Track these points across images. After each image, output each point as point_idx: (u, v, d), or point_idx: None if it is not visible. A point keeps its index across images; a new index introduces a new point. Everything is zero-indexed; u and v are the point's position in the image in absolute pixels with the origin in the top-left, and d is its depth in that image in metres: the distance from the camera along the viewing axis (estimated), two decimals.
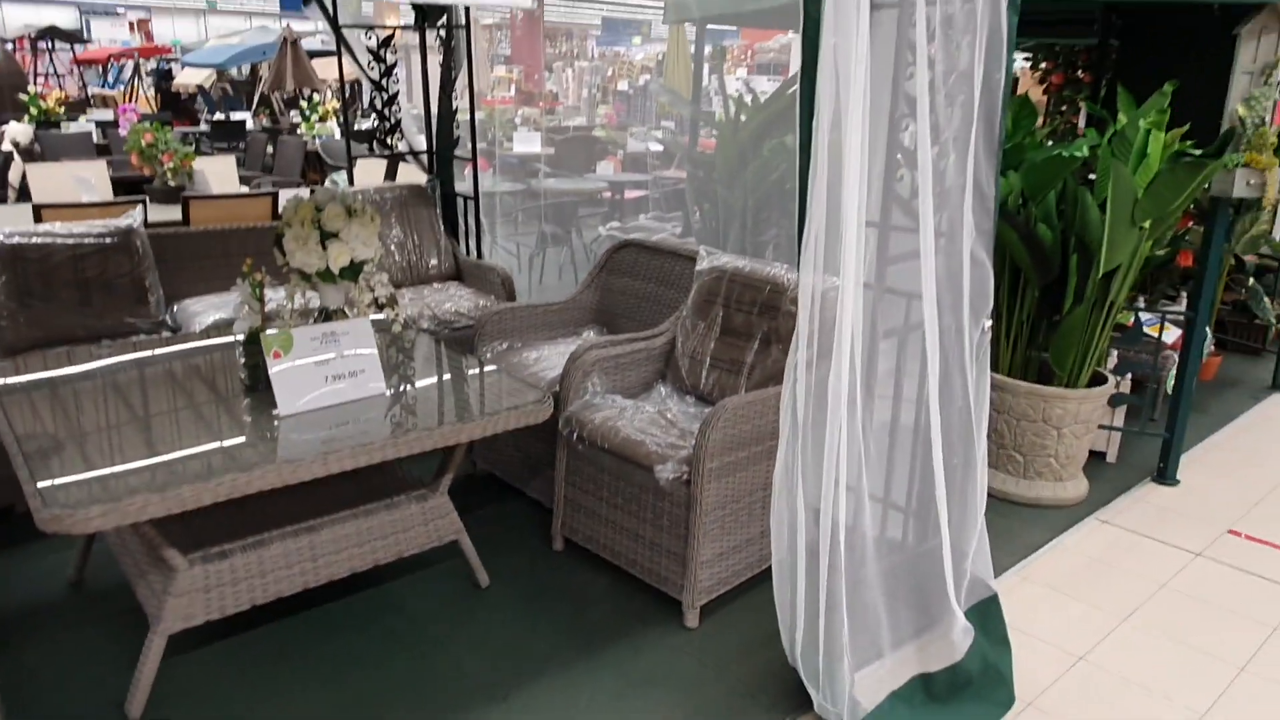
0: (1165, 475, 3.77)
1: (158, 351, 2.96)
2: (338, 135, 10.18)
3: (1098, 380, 3.53)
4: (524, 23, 21.83)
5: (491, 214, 7.09)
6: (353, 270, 2.58)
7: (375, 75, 4.42)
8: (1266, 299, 4.95)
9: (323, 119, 10.95)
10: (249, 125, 12.58)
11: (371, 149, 4.87)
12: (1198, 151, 3.12)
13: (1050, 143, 5.69)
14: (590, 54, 27.32)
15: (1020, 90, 9.50)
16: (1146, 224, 3.16)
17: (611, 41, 26.96)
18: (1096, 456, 3.95)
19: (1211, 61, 3.64)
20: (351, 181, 4.82)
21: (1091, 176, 3.48)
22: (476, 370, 2.94)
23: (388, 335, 3.12)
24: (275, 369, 2.43)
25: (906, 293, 2.32)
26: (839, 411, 2.07)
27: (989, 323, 2.44)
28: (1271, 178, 3.28)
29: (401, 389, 2.71)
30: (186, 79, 15.67)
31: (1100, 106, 4.70)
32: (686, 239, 5.18)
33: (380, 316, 2.97)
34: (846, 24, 1.88)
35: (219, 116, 13.41)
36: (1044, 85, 6.88)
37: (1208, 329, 4.83)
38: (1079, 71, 6.35)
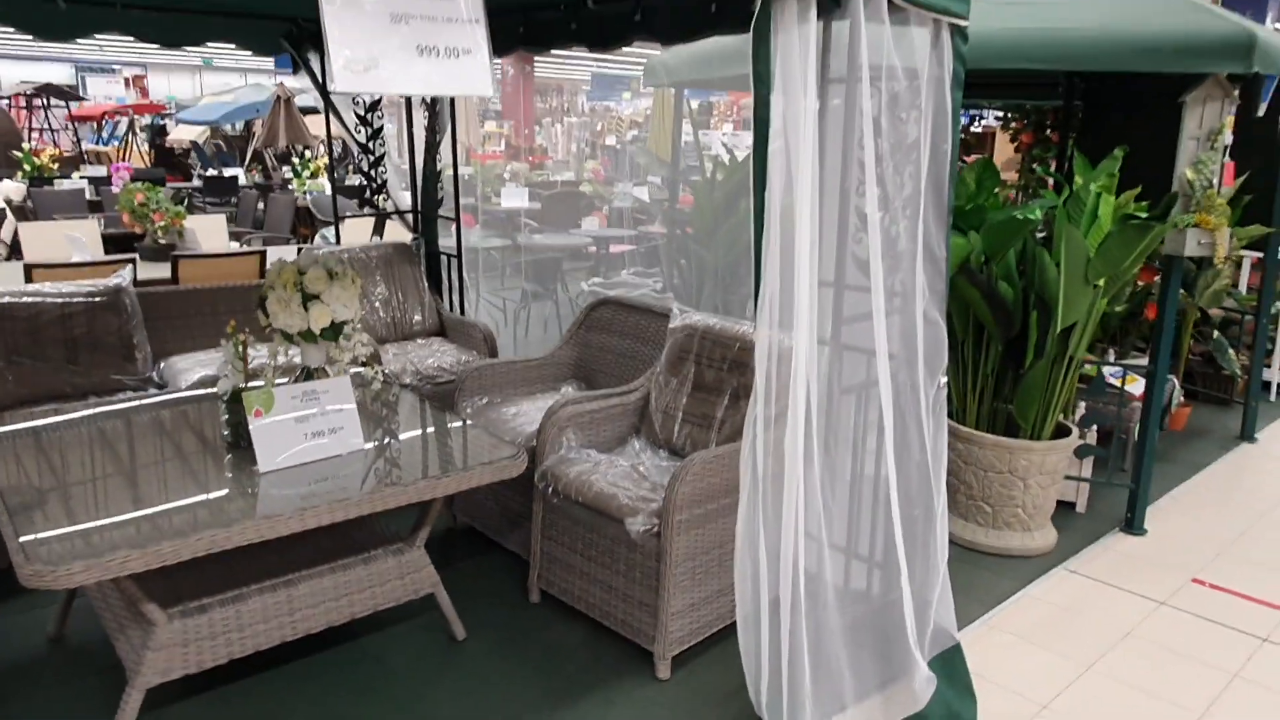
0: (1132, 525, 3.85)
1: (142, 407, 3.04)
2: (329, 191, 10.37)
3: (1063, 432, 3.63)
4: (514, 78, 22.31)
5: (477, 269, 7.23)
6: (333, 330, 2.67)
7: (361, 138, 4.57)
8: (1231, 351, 5.08)
9: (314, 175, 11.16)
10: (241, 180, 12.77)
11: (362, 205, 5.01)
12: (1144, 215, 3.27)
13: (1022, 198, 5.87)
14: (581, 109, 27.86)
15: (995, 147, 9.78)
16: (1101, 282, 3.29)
17: (602, 96, 27.49)
18: (1066, 507, 4.03)
19: (1168, 123, 3.81)
20: (339, 239, 4.94)
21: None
22: (453, 426, 3.02)
23: (368, 392, 3.20)
24: (256, 426, 2.50)
25: (863, 350, 2.42)
26: (796, 465, 2.16)
27: (945, 379, 2.55)
28: (1220, 237, 3.43)
29: (380, 445, 2.78)
30: (180, 135, 15.94)
31: (1067, 165, 4.88)
32: (666, 295, 5.31)
33: (362, 370, 3.06)
34: (794, 99, 2.01)
35: (212, 172, 13.62)
36: (1015, 144, 7.12)
37: (1175, 380, 4.95)
38: (1048, 131, 6.58)
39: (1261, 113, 4.07)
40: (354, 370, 2.88)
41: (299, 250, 5.08)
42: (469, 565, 3.43)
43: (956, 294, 3.54)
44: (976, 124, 7.23)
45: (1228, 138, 3.53)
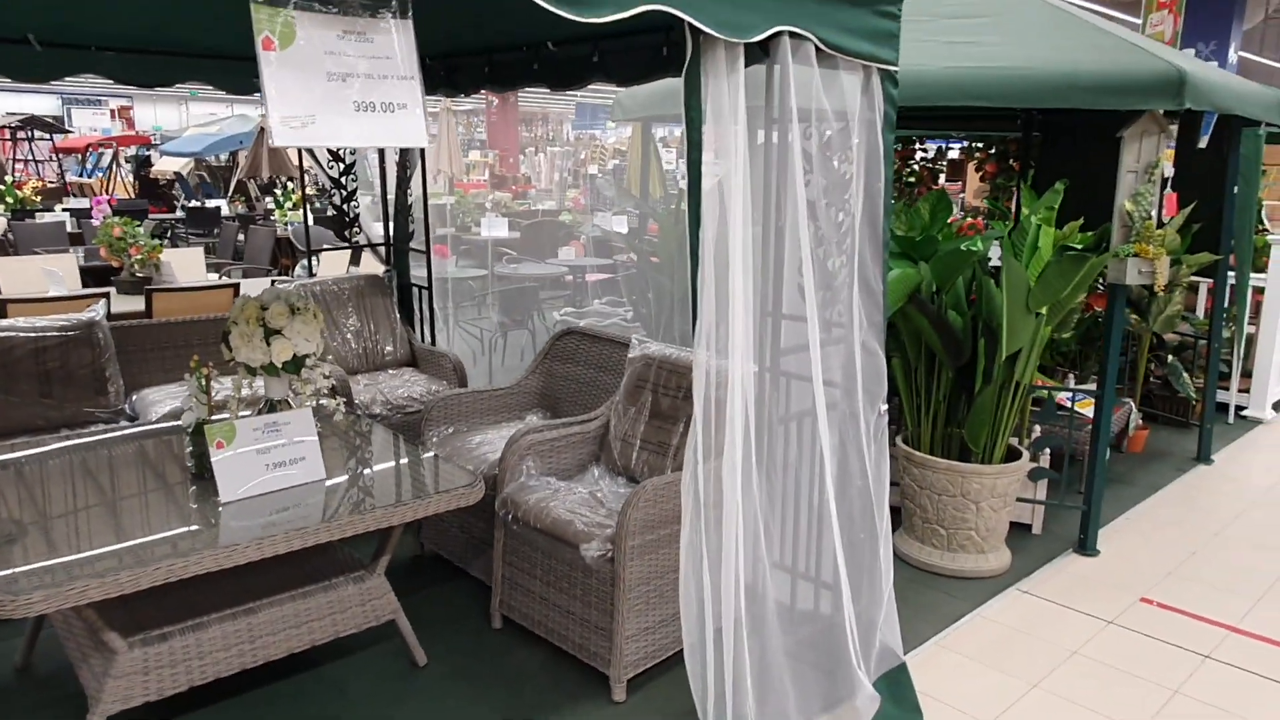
0: (1085, 546, 3.95)
1: (111, 439, 3.10)
2: (311, 221, 10.47)
3: (1013, 455, 3.73)
4: (499, 108, 22.53)
5: (455, 299, 7.33)
6: (295, 364, 2.75)
7: (334, 173, 4.67)
8: (1186, 374, 5.21)
9: (296, 206, 11.27)
10: (225, 212, 12.87)
11: (340, 236, 5.10)
12: (1082, 246, 3.39)
13: (987, 224, 6.02)
14: (565, 138, 28.14)
15: (967, 176, 9.97)
16: (1043, 310, 3.41)
17: (586, 125, 27.79)
18: (1023, 529, 4.12)
19: (1115, 156, 3.96)
20: (311, 271, 5.03)
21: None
22: (415, 455, 3.10)
23: (330, 423, 3.28)
24: (217, 458, 2.58)
25: (804, 378, 2.52)
26: (735, 492, 2.25)
27: (884, 406, 2.65)
28: (1160, 266, 3.56)
29: (341, 475, 2.86)
30: (165, 166, 16.03)
31: (1016, 196, 5.02)
32: (635, 324, 5.41)
33: (325, 403, 3.14)
34: (726, 140, 2.12)
35: (195, 203, 13.70)
36: (980, 174, 7.30)
37: (1132, 403, 5.08)
38: (1011, 160, 6.77)
39: (1204, 145, 4.22)
40: (317, 402, 2.96)
41: (272, 282, 5.16)
42: (434, 592, 3.49)
43: (909, 322, 3.66)
44: (943, 156, 7.41)
45: (1166, 170, 3.68)
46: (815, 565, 2.73)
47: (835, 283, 2.52)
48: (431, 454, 3.11)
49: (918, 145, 7.25)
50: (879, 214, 2.53)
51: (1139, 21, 9.36)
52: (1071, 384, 4.80)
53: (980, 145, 7.02)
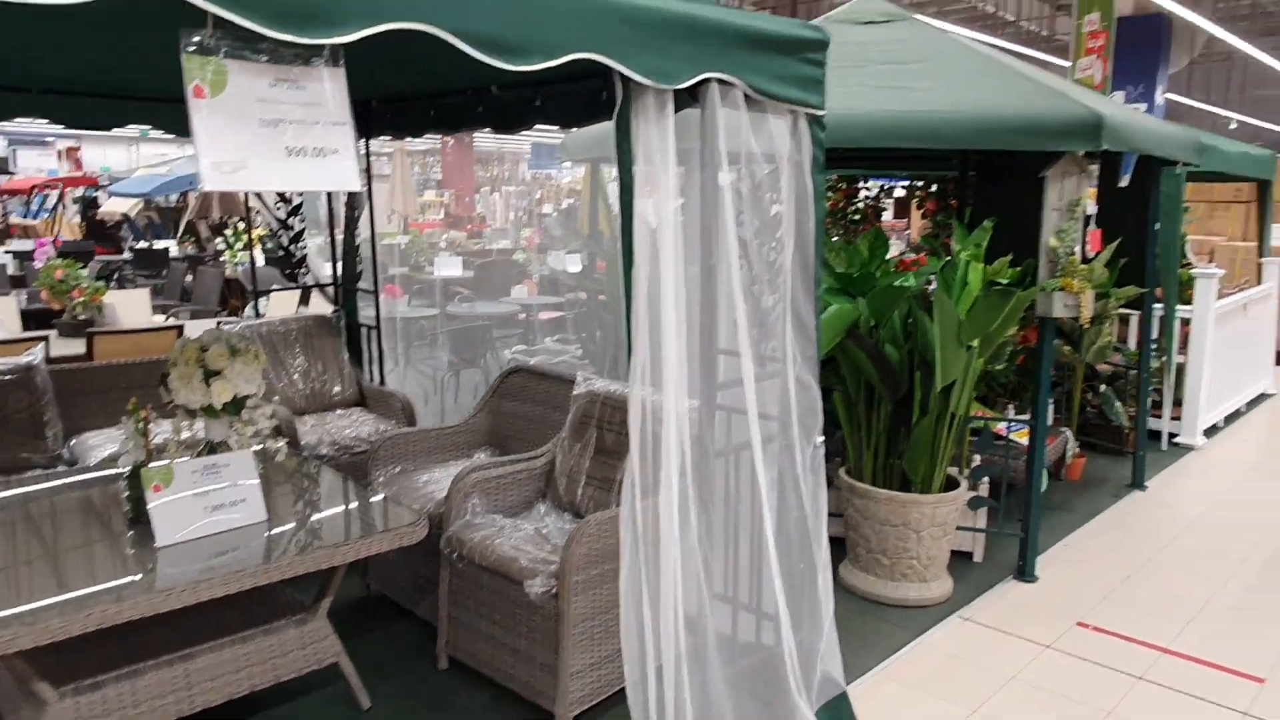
0: (1024, 573, 4.04)
1: (45, 486, 3.05)
2: (262, 262, 10.39)
3: (952, 485, 3.82)
4: (455, 148, 22.64)
5: (407, 338, 7.31)
6: (235, 405, 2.75)
7: (282, 214, 4.68)
8: (1119, 403, 5.39)
9: (246, 247, 11.18)
10: (174, 253, 12.71)
11: (287, 276, 5.09)
12: (1006, 281, 3.53)
13: (930, 259, 6.18)
14: (521, 177, 28.31)
15: (913, 214, 10.25)
16: (975, 343, 3.52)
17: (542, 165, 27.98)
18: (965, 557, 4.21)
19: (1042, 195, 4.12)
20: (257, 312, 5.01)
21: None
22: (358, 495, 3.09)
23: (274, 465, 3.26)
24: (154, 503, 2.55)
25: (739, 412, 2.58)
26: (672, 526, 2.28)
27: (820, 439, 2.72)
28: (1085, 299, 3.70)
29: (282, 516, 2.84)
30: (113, 207, 15.80)
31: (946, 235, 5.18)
32: (585, 362, 5.45)
33: (266, 444, 3.12)
34: (657, 182, 2.19)
35: (143, 244, 13.53)
36: (921, 211, 7.51)
37: (1069, 432, 5.22)
38: (950, 199, 6.98)
39: (1125, 184, 4.41)
40: (260, 444, 2.95)
41: (218, 324, 5.12)
42: (379, 634, 3.46)
43: (848, 356, 3.75)
44: (889, 194, 7.65)
45: (1089, 208, 3.84)
46: (756, 596, 2.77)
47: (769, 319, 2.60)
48: (375, 493, 3.10)
49: (861, 184, 7.45)
50: (810, 252, 2.62)
51: (1070, 65, 9.76)
52: (1011, 414, 4.94)
53: (921, 184, 7.24)
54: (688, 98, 2.28)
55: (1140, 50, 9.89)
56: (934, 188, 7.13)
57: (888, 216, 8.69)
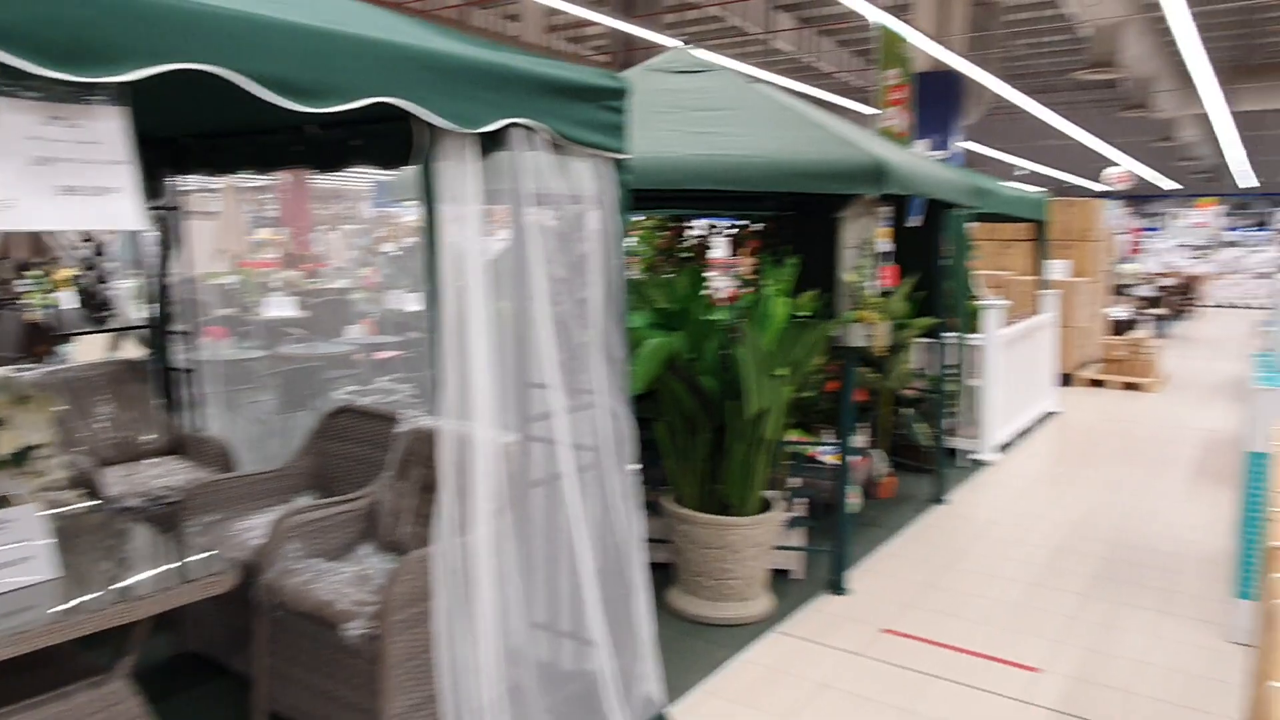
0: (837, 586, 4.31)
1: None
2: (75, 304, 9.68)
3: (769, 506, 4.04)
4: (292, 185, 21.86)
5: (233, 381, 7.00)
6: (18, 457, 2.59)
7: (84, 252, 4.43)
8: (919, 424, 5.84)
9: (53, 289, 10.38)
10: None
11: (93, 319, 4.79)
12: (808, 314, 3.81)
13: (754, 294, 6.49)
14: (362, 216, 27.59)
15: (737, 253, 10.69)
16: (784, 372, 3.77)
17: (386, 203, 27.40)
18: (786, 575, 4.44)
19: None
20: (61, 359, 4.69)
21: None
22: (162, 547, 2.96)
23: (71, 518, 3.08)
24: None
25: (553, 442, 2.67)
26: (488, 557, 2.34)
27: (633, 466, 2.84)
28: (880, 330, 4.04)
29: (75, 572, 2.68)
30: None
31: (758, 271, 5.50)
32: (419, 399, 5.40)
33: (67, 495, 2.95)
34: (461, 220, 2.27)
35: None
36: (747, 249, 7.91)
37: (880, 453, 5.61)
38: (773, 238, 7.40)
39: (915, 224, 4.84)
40: (51, 496, 2.78)
41: (16, 370, 4.77)
42: (194, 693, 3.31)
43: (668, 387, 3.92)
44: (717, 232, 8.00)
45: (881, 246, 4.20)
46: (573, 622, 2.84)
47: (581, 352, 2.71)
48: (185, 543, 2.98)
49: (688, 225, 7.78)
50: (616, 288, 2.76)
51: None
52: (827, 438, 5.26)
53: (746, 224, 7.63)
54: (489, 143, 2.38)
55: (938, 103, 10.85)
56: (762, 226, 7.54)
57: (719, 254, 9.11)
